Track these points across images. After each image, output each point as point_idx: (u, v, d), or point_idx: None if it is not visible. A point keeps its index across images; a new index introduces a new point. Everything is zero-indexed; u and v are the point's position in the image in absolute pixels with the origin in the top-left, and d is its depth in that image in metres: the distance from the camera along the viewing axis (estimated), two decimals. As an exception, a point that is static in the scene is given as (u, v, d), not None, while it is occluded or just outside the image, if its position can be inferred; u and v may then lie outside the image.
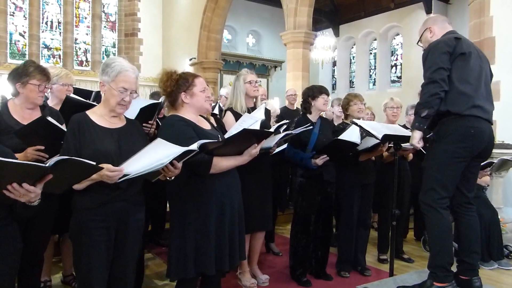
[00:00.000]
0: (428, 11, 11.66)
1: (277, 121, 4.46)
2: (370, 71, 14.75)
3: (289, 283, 3.40)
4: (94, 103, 2.75)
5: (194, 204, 2.22)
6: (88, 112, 2.07)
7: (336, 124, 3.93)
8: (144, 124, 2.65)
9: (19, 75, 2.37)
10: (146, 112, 2.63)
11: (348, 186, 3.57)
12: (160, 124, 2.94)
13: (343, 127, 3.61)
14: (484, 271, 3.63)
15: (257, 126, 2.40)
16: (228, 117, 3.12)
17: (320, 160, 3.20)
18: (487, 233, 3.88)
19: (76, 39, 12.60)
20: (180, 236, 2.22)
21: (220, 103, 4.76)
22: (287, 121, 3.18)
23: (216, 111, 4.23)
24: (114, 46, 13.24)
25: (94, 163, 1.63)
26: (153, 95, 4.14)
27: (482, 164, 3.69)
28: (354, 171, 3.55)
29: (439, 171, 2.51)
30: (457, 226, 2.64)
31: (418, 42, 2.83)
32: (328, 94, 3.40)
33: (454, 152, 2.46)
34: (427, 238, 4.42)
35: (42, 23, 12.05)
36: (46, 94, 2.99)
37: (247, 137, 2.21)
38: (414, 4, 12.40)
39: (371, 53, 14.72)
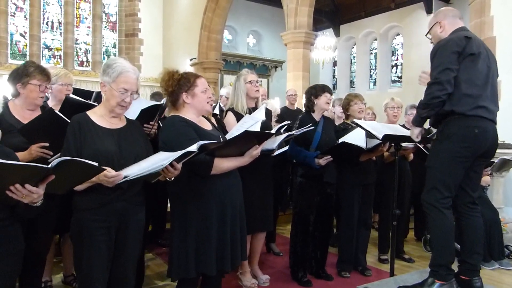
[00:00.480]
0: (429, 11, 11.65)
1: (277, 121, 4.46)
2: (370, 71, 14.74)
3: (290, 283, 3.40)
4: (93, 103, 2.75)
5: (195, 205, 2.22)
6: (88, 113, 2.07)
7: (337, 124, 3.92)
8: (145, 125, 2.65)
9: (19, 76, 2.37)
10: (147, 113, 2.63)
11: (348, 186, 3.57)
12: (161, 125, 2.95)
13: (344, 127, 3.62)
14: (485, 271, 3.62)
15: (258, 127, 2.40)
16: (230, 118, 3.12)
17: (323, 161, 3.20)
18: (488, 233, 3.87)
19: (76, 40, 12.61)
20: (181, 236, 2.23)
21: (220, 103, 4.75)
22: (288, 122, 3.18)
23: (216, 111, 4.23)
24: (114, 47, 13.25)
25: (97, 164, 1.63)
26: (154, 96, 4.14)
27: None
28: (354, 171, 3.55)
29: (442, 170, 2.50)
30: (459, 226, 2.62)
31: (427, 34, 2.77)
32: (331, 93, 3.40)
33: (458, 152, 2.45)
34: (427, 238, 4.43)
35: (43, 23, 12.06)
36: (46, 94, 3.00)
37: (248, 138, 2.21)
38: (414, 4, 12.39)
39: (371, 53, 14.72)
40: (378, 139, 3.03)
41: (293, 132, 3.03)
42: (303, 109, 4.00)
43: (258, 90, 3.24)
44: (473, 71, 2.44)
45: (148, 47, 12.95)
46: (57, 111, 2.25)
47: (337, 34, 15.06)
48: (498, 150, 4.30)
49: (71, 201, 2.03)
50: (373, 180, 3.72)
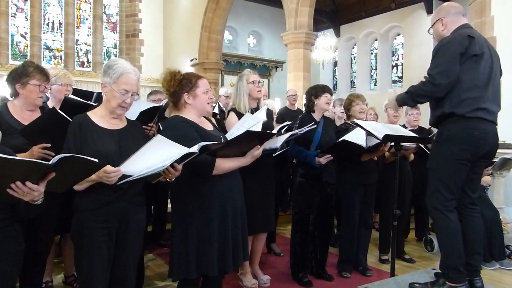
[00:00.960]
0: (429, 11, 11.65)
1: (277, 121, 4.46)
2: (371, 71, 14.74)
3: (290, 284, 3.40)
4: (92, 103, 2.76)
5: (196, 205, 2.22)
6: (89, 113, 2.08)
7: (338, 124, 3.92)
8: (143, 126, 2.65)
9: (18, 76, 2.37)
10: (146, 115, 2.63)
11: (349, 186, 3.57)
12: (160, 126, 2.95)
13: (345, 127, 3.62)
14: (485, 271, 3.62)
15: (259, 128, 2.39)
16: (232, 118, 3.10)
17: (324, 159, 3.20)
18: (488, 233, 3.87)
19: (77, 40, 12.62)
20: (182, 237, 2.23)
21: (219, 103, 4.75)
22: (289, 122, 3.18)
23: (216, 110, 4.23)
24: (115, 47, 13.26)
25: (97, 160, 1.63)
26: (150, 94, 4.16)
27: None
28: (355, 171, 3.55)
29: (444, 173, 2.49)
30: (461, 227, 2.62)
31: (429, 30, 2.73)
32: (331, 93, 3.40)
33: (458, 154, 2.44)
34: (428, 239, 4.43)
35: (44, 24, 12.07)
36: (46, 94, 3.01)
37: (250, 138, 2.21)
38: (415, 4, 12.39)
39: (372, 53, 14.72)
40: (378, 139, 3.03)
41: (297, 131, 3.03)
42: (304, 109, 4.00)
43: (260, 91, 3.24)
44: (474, 72, 2.42)
45: (148, 47, 12.96)
46: (59, 110, 2.25)
47: (337, 34, 15.06)
48: (499, 150, 4.32)
49: (71, 202, 2.03)
50: (375, 180, 3.71)
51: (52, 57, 12.25)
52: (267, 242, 4.15)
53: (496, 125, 2.56)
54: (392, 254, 3.08)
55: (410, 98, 2.59)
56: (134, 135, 2.13)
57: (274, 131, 2.50)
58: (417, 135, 3.25)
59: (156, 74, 12.64)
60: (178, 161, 1.91)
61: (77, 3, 12.59)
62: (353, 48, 15.40)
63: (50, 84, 2.91)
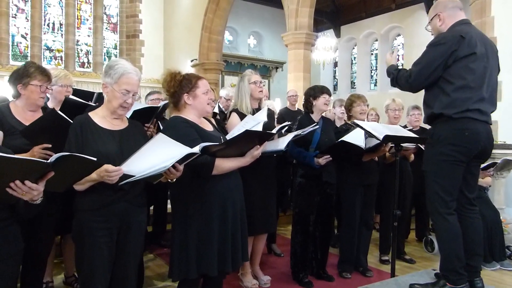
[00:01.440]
0: (430, 11, 11.64)
1: (277, 122, 4.46)
2: (371, 72, 14.75)
3: (291, 284, 3.40)
4: (92, 104, 2.76)
5: (196, 205, 2.22)
6: (90, 114, 2.08)
7: (338, 125, 3.92)
8: None
9: (20, 76, 2.37)
10: (142, 115, 2.62)
11: (350, 186, 3.56)
12: (161, 126, 2.95)
13: (346, 128, 3.62)
14: (486, 271, 3.62)
15: (259, 128, 2.39)
16: (234, 118, 3.09)
17: (323, 160, 3.20)
18: (489, 234, 3.86)
19: (77, 41, 12.64)
20: (182, 237, 2.23)
21: (220, 104, 4.75)
22: (289, 122, 3.18)
23: (216, 111, 4.22)
24: (115, 48, 13.27)
25: (95, 159, 1.64)
26: (149, 95, 4.17)
27: (484, 165, 3.70)
28: (356, 171, 3.54)
29: (439, 176, 2.49)
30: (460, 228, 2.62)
31: (427, 26, 2.73)
32: (329, 94, 3.40)
33: (450, 155, 2.43)
34: (429, 239, 4.43)
35: (44, 25, 12.09)
36: (47, 94, 3.01)
37: (249, 138, 2.21)
38: (415, 5, 12.40)
39: (372, 54, 14.73)
40: (378, 139, 3.03)
41: (300, 131, 3.03)
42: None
43: (262, 91, 3.24)
44: (464, 73, 2.40)
45: (149, 48, 12.98)
46: (59, 111, 2.26)
47: (337, 35, 15.06)
48: (500, 151, 4.35)
49: (72, 202, 2.03)
50: (375, 181, 3.71)
51: (53, 57, 12.26)
52: (267, 243, 4.15)
53: (490, 124, 2.54)
54: (392, 254, 3.07)
55: (393, 79, 2.71)
56: (135, 136, 2.13)
57: (274, 131, 2.50)
58: (417, 136, 3.24)
59: (157, 74, 12.71)
60: (180, 161, 1.91)
61: (77, 4, 12.61)
62: (354, 48, 15.41)
63: (51, 85, 2.92)
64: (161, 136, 1.90)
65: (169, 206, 2.41)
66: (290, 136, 2.84)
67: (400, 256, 4.05)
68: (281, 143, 2.77)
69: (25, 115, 2.41)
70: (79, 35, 12.68)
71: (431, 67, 2.44)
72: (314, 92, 3.38)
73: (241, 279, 3.30)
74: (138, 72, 2.11)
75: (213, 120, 2.61)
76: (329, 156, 3.21)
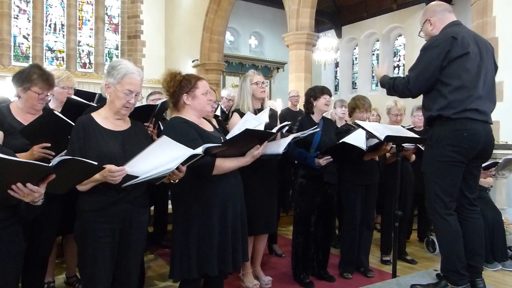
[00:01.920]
0: (431, 11, 11.62)
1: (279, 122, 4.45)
2: (372, 72, 14.72)
3: (292, 285, 3.39)
4: (94, 104, 2.76)
5: (197, 206, 2.23)
6: (93, 114, 2.08)
7: (339, 126, 3.92)
8: None
9: (21, 80, 2.36)
10: (140, 113, 2.61)
11: (351, 186, 3.56)
12: (161, 126, 2.95)
13: (347, 128, 3.61)
14: (487, 272, 3.61)
15: (261, 129, 2.39)
16: (235, 119, 3.10)
17: (323, 161, 3.20)
18: (490, 234, 3.86)
19: (79, 42, 12.67)
20: (183, 237, 2.23)
21: (221, 105, 4.75)
22: (289, 122, 3.18)
23: (218, 112, 4.23)
24: (117, 48, 13.29)
25: (96, 163, 1.64)
26: (150, 95, 4.17)
27: (486, 164, 3.70)
28: (357, 171, 3.54)
29: (439, 177, 2.49)
30: (461, 228, 2.61)
31: (419, 33, 2.76)
32: (330, 95, 3.41)
33: (449, 156, 2.43)
34: (430, 240, 4.42)
35: (46, 25, 12.12)
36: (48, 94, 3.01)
37: (250, 138, 2.21)
38: (416, 5, 12.37)
39: (373, 54, 14.71)
40: (380, 140, 3.03)
41: (299, 134, 3.03)
42: (305, 110, 3.99)
43: (264, 91, 3.24)
44: (460, 73, 2.41)
45: (150, 48, 13.00)
46: (56, 111, 2.26)
47: (339, 35, 15.06)
48: (501, 151, 4.34)
49: (73, 203, 2.03)
50: (376, 181, 3.71)
51: (54, 58, 12.29)
52: (268, 243, 4.15)
53: (490, 124, 2.54)
54: (393, 255, 3.07)
55: (389, 88, 2.69)
56: (138, 137, 2.13)
57: (274, 130, 2.50)
58: (418, 136, 3.24)
59: (158, 75, 12.60)
60: (183, 163, 1.92)
61: (79, 4, 12.63)
62: (355, 49, 15.40)
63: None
64: (164, 139, 1.90)
65: (170, 206, 2.41)
66: (288, 139, 2.84)
67: (401, 256, 4.05)
68: (279, 147, 2.77)
69: (25, 116, 2.41)
70: (80, 36, 12.71)
71: (428, 70, 2.45)
72: (314, 93, 3.38)
73: (242, 280, 3.30)
74: (141, 72, 2.11)
75: (213, 121, 2.61)
76: (329, 157, 3.21)
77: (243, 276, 3.30)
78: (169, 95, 2.33)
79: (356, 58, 15.36)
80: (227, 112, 4.30)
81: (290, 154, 3.37)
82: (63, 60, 12.37)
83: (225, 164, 2.22)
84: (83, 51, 12.78)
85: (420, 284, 2.64)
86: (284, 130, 3.03)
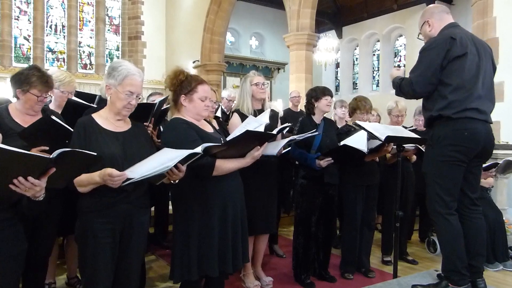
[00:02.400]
0: (431, 12, 11.62)
1: (280, 122, 4.45)
2: (373, 73, 14.73)
3: (293, 285, 3.39)
4: (94, 106, 2.76)
5: (197, 206, 2.23)
6: (93, 115, 2.08)
7: (339, 126, 3.92)
8: None
9: (20, 82, 2.36)
10: (139, 112, 2.62)
11: (352, 187, 3.56)
12: (161, 128, 2.95)
13: (347, 129, 3.62)
14: (488, 272, 3.61)
15: (261, 130, 2.39)
16: (234, 119, 3.11)
17: (324, 162, 3.20)
18: (491, 235, 3.85)
19: (80, 43, 12.68)
20: (184, 238, 2.23)
21: (222, 106, 4.76)
22: (290, 124, 3.18)
23: (218, 113, 4.23)
24: (117, 49, 13.31)
25: (96, 154, 1.66)
26: (150, 96, 4.17)
27: (486, 165, 3.69)
28: (358, 172, 3.54)
29: (440, 176, 2.49)
30: (462, 228, 2.61)
31: (418, 35, 2.79)
32: (331, 96, 3.41)
33: (450, 156, 2.43)
34: (431, 240, 4.42)
35: (47, 26, 12.13)
36: (50, 94, 3.01)
37: (250, 139, 2.21)
38: (417, 5, 12.38)
39: (374, 55, 14.72)
40: (380, 140, 3.03)
41: (295, 137, 3.03)
42: (306, 111, 3.99)
43: (264, 92, 3.24)
44: (460, 73, 2.42)
45: (151, 49, 13.00)
46: (54, 118, 2.25)
47: (339, 35, 15.06)
48: (502, 151, 4.34)
49: (74, 203, 2.03)
50: (377, 181, 3.71)
51: (55, 59, 12.30)
52: (269, 244, 4.15)
53: (490, 123, 2.55)
54: (394, 255, 3.07)
55: (397, 89, 2.69)
56: (138, 137, 2.13)
57: (274, 132, 2.50)
58: (419, 136, 3.24)
59: (159, 76, 12.76)
60: (182, 162, 1.92)
61: (79, 5, 12.65)
62: (355, 49, 15.40)
63: (53, 88, 2.92)
64: (166, 150, 1.92)
65: (170, 207, 2.41)
66: (284, 141, 2.84)
67: (402, 257, 4.04)
68: (275, 148, 2.77)
69: (24, 118, 2.41)
70: (81, 37, 12.72)
71: (429, 70, 2.46)
72: (315, 94, 3.38)
73: (243, 280, 3.30)
74: (141, 73, 2.11)
75: (214, 121, 2.61)
76: (330, 158, 3.21)
77: (244, 277, 3.30)
78: (171, 93, 2.34)
79: (356, 58, 15.36)
80: (227, 113, 4.31)
81: (290, 154, 3.37)
82: (63, 61, 12.39)
83: (225, 165, 2.22)
84: (83, 52, 12.79)
85: (421, 284, 2.63)
86: (284, 131, 3.03)
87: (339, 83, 16.08)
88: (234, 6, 11.26)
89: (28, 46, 11.84)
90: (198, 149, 1.92)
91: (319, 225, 3.43)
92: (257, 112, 3.14)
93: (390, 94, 13.19)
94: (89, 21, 12.87)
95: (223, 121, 3.85)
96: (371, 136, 3.17)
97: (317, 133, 3.21)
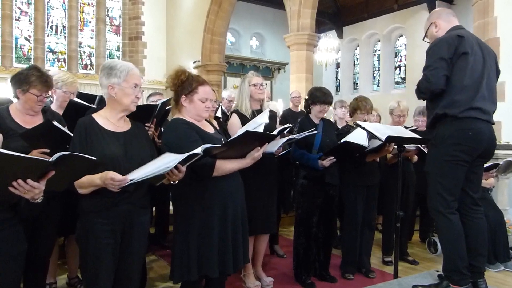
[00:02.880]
0: (432, 12, 11.63)
1: (280, 123, 4.45)
2: (374, 73, 14.73)
3: (293, 285, 3.39)
4: (95, 107, 2.76)
5: (197, 207, 2.23)
6: (94, 115, 2.08)
7: (339, 126, 3.91)
8: None
9: (20, 82, 2.36)
10: (141, 113, 2.62)
11: (352, 187, 3.56)
12: (162, 130, 2.95)
13: (347, 130, 3.61)
14: (489, 273, 3.60)
15: (261, 130, 2.39)
16: (233, 119, 3.12)
17: (327, 162, 3.20)
18: (493, 235, 3.85)
19: (80, 43, 12.69)
20: (184, 239, 2.23)
21: (222, 106, 4.76)
22: (290, 125, 3.18)
23: (218, 113, 4.23)
24: (118, 50, 13.31)
25: (95, 158, 1.65)
26: (150, 96, 4.17)
27: (487, 165, 3.69)
28: (358, 172, 3.54)
29: (442, 176, 2.49)
30: (463, 229, 2.60)
31: (424, 37, 2.78)
32: (329, 103, 3.39)
33: (454, 155, 2.44)
34: (432, 240, 4.41)
35: (47, 27, 12.14)
36: (50, 95, 3.01)
37: (250, 139, 2.21)
38: (417, 5, 12.40)
39: (374, 55, 14.72)
40: (381, 140, 3.03)
41: (295, 136, 3.03)
42: (307, 111, 3.99)
43: (262, 93, 3.24)
44: (466, 72, 2.43)
45: (151, 50, 13.01)
46: (54, 122, 2.26)
47: (340, 35, 15.06)
48: (503, 152, 4.33)
49: (74, 204, 2.03)
50: (377, 182, 3.71)
51: (56, 60, 12.31)
52: (270, 244, 4.15)
53: (493, 124, 2.55)
54: (395, 256, 3.07)
55: (417, 91, 2.65)
56: (139, 138, 2.13)
57: (274, 133, 2.50)
58: (419, 136, 3.23)
59: (159, 76, 12.77)
60: (182, 162, 1.92)
61: (80, 6, 12.66)
62: (356, 49, 15.40)
63: (55, 88, 2.92)
64: (167, 154, 1.92)
65: (171, 207, 2.41)
66: (282, 140, 2.84)
67: (403, 257, 4.04)
68: (274, 146, 2.77)
69: (25, 118, 2.41)
70: (82, 37, 12.73)
71: (442, 62, 2.42)
72: (313, 98, 3.37)
73: (244, 280, 3.30)
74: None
75: (214, 122, 2.61)
76: (333, 157, 3.20)
77: (245, 277, 3.30)
78: (173, 93, 2.34)
79: (357, 58, 15.36)
80: (228, 113, 4.30)
81: (291, 155, 3.37)
82: (64, 62, 12.39)
83: (225, 166, 2.22)
84: (84, 52, 12.80)
85: (421, 285, 2.63)
86: (285, 132, 3.03)
87: (339, 83, 16.07)
88: (235, 7, 11.26)
89: (29, 46, 11.85)
90: (198, 150, 1.92)
91: (319, 225, 3.43)
92: (255, 112, 3.14)
93: (391, 94, 13.25)
94: (90, 22, 12.88)
95: (223, 121, 3.85)
96: (371, 136, 3.17)
97: (316, 132, 3.21)
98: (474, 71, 2.44)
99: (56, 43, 12.33)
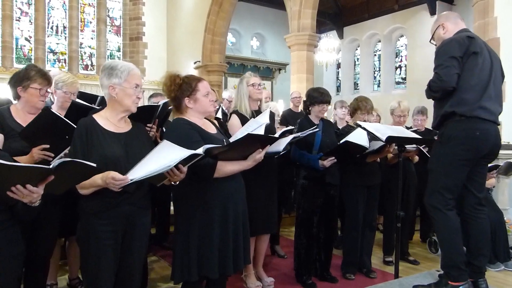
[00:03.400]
0: (432, 12, 11.65)
1: (281, 123, 4.46)
2: (374, 73, 14.73)
3: (294, 286, 3.40)
4: (96, 107, 2.77)
5: (198, 208, 2.23)
6: (95, 116, 2.07)
7: (340, 127, 3.92)
8: None
9: (20, 79, 2.38)
10: (142, 114, 2.62)
11: (353, 187, 3.56)
12: (164, 129, 2.96)
13: (348, 130, 3.62)
14: (490, 272, 3.60)
15: (262, 131, 2.39)
16: (233, 120, 3.13)
17: (328, 162, 3.21)
18: (493, 235, 3.83)
19: (81, 44, 12.69)
20: (184, 239, 2.24)
21: (222, 106, 4.76)
22: (292, 127, 3.19)
23: (219, 114, 4.24)
24: (119, 50, 13.31)
25: (95, 165, 1.65)
26: (151, 97, 4.17)
27: (488, 166, 3.69)
28: (359, 172, 3.54)
29: (446, 174, 2.49)
30: (466, 228, 2.60)
31: (430, 40, 2.79)
32: (328, 103, 3.40)
33: (460, 154, 2.44)
34: (432, 240, 4.41)
35: (48, 28, 12.14)
36: (51, 97, 3.02)
37: (252, 142, 2.21)
38: (418, 6, 12.39)
39: (375, 55, 14.71)
40: (381, 140, 3.03)
41: (299, 134, 3.04)
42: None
43: (260, 93, 3.25)
44: (475, 72, 2.44)
45: (152, 50, 13.00)
46: (52, 109, 2.27)
47: (340, 36, 15.06)
48: (503, 152, 4.32)
49: (75, 205, 2.04)
50: (378, 182, 3.71)
51: (56, 60, 12.31)
52: (270, 244, 4.16)
53: (498, 124, 2.56)
54: (396, 256, 3.07)
55: (427, 91, 2.63)
56: (140, 138, 2.13)
57: (276, 135, 2.50)
58: (420, 137, 3.24)
59: (160, 77, 12.72)
60: (183, 163, 1.92)
61: (81, 6, 12.66)
62: (356, 49, 15.40)
63: (56, 88, 2.92)
64: (165, 142, 1.91)
65: (172, 208, 2.41)
66: (288, 139, 2.84)
67: (404, 257, 4.04)
68: (279, 145, 2.77)
69: (26, 118, 2.41)
70: (82, 38, 12.73)
71: (453, 60, 2.42)
72: (312, 99, 3.37)
73: (245, 281, 3.31)
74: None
75: (216, 122, 2.62)
76: (333, 157, 3.21)
77: (246, 277, 3.31)
78: (171, 100, 2.33)
79: (358, 59, 15.36)
80: (228, 114, 4.31)
81: (292, 156, 3.38)
82: (65, 62, 12.39)
83: (226, 168, 2.22)
84: (85, 53, 12.80)
85: (422, 284, 2.63)
86: (286, 134, 3.04)
87: (340, 83, 16.07)
88: (235, 7, 11.26)
89: (29, 47, 11.85)
90: (199, 150, 1.92)
91: (320, 226, 3.43)
92: (254, 113, 3.15)
93: (392, 94, 13.26)
94: (90, 22, 12.88)
95: (224, 121, 3.86)
96: (372, 137, 3.17)
97: (317, 129, 3.21)
98: (482, 71, 2.45)
99: (57, 43, 12.33)
